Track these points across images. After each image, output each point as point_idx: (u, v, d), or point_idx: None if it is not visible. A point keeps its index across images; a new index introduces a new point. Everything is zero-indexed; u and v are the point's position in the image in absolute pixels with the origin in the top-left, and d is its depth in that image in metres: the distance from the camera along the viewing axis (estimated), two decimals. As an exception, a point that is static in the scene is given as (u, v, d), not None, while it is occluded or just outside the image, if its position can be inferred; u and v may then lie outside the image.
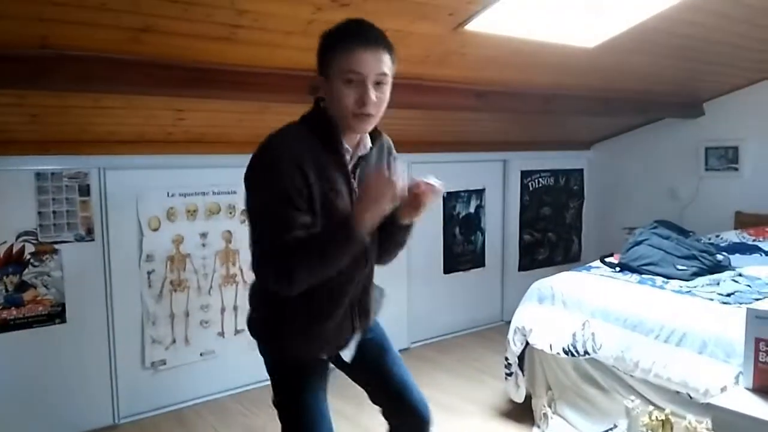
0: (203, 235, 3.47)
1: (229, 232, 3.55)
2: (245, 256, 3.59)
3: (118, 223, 3.18)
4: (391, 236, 1.63)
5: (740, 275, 2.99)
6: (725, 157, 4.54)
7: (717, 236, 3.98)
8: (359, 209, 1.39)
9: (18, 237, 2.91)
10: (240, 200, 3.56)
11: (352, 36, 1.42)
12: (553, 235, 5.32)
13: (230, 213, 3.54)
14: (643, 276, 3.13)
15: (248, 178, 1.46)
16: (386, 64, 1.45)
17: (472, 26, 2.46)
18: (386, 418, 1.85)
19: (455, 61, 2.87)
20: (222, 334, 3.56)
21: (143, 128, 3.00)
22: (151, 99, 2.58)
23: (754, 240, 3.78)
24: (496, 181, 4.92)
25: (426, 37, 2.51)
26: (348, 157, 1.53)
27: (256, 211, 1.46)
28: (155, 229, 3.30)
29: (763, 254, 3.51)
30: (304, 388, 1.67)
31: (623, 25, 2.76)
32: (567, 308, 2.96)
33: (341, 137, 1.51)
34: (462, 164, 4.55)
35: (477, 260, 4.84)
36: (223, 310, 3.56)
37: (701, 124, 4.67)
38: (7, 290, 2.90)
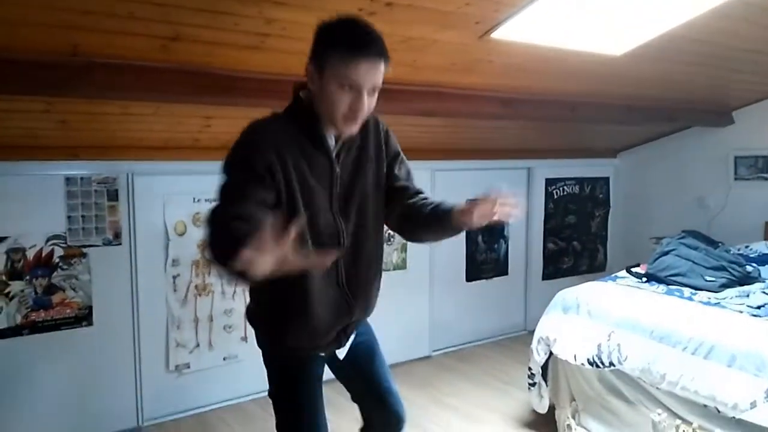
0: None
1: (253, 237, 3.57)
2: (269, 262, 3.61)
3: (144, 228, 3.22)
4: (435, 226, 1.61)
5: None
6: (755, 166, 4.45)
7: (746, 247, 3.90)
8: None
9: (47, 240, 2.96)
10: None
11: (356, 45, 1.43)
12: (577, 244, 5.27)
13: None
14: (671, 287, 3.08)
15: (226, 156, 1.49)
16: (382, 74, 1.47)
17: (498, 34, 2.45)
18: (364, 416, 1.92)
19: (481, 69, 2.86)
20: (245, 338, 3.58)
21: (171, 134, 3.04)
22: (180, 106, 2.62)
23: (785, 251, 3.70)
24: (520, 189, 4.88)
25: (451, 45, 2.51)
26: (332, 146, 1.56)
27: (221, 173, 1.46)
28: (181, 234, 3.34)
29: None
30: (298, 380, 1.70)
31: (651, 33, 2.73)
32: (592, 318, 2.93)
33: (324, 131, 1.54)
34: (484, 172, 4.53)
35: (500, 268, 4.81)
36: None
37: (730, 133, 4.59)
38: (36, 292, 2.95)
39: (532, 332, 3.20)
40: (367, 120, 1.60)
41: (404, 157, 1.77)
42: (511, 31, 2.45)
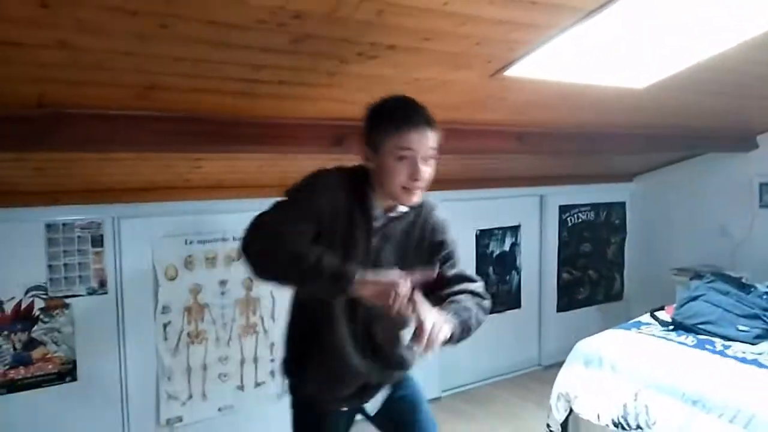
0: (222, 283, 3.28)
1: (249, 278, 3.35)
2: (266, 304, 3.40)
3: (132, 274, 3.01)
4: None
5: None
6: (782, 194, 4.20)
7: (775, 284, 3.65)
8: (362, 284, 1.42)
9: (27, 292, 2.75)
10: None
11: (403, 118, 1.53)
12: (593, 273, 5.02)
13: (251, 260, 3.34)
14: (700, 337, 2.83)
15: (286, 190, 1.58)
16: (433, 141, 1.56)
17: (512, 72, 2.23)
18: None
19: (494, 106, 2.65)
20: (241, 387, 3.36)
21: (159, 177, 2.83)
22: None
23: (819, 290, 3.44)
24: (533, 217, 4.65)
25: (462, 84, 2.29)
26: (376, 217, 1.62)
27: (277, 201, 1.56)
28: (172, 279, 3.12)
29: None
30: (317, 428, 1.80)
31: (677, 67, 2.51)
32: (616, 374, 2.69)
33: (374, 201, 1.61)
34: (496, 201, 4.30)
35: (512, 301, 4.57)
36: (242, 362, 3.36)
37: (755, 158, 4.34)
38: (15, 348, 2.74)
39: (546, 367, 2.99)
40: (422, 205, 1.69)
41: (451, 248, 1.76)
42: (528, 68, 2.23)
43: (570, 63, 2.29)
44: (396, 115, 1.55)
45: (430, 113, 1.57)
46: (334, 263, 1.42)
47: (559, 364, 3.01)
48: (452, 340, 1.53)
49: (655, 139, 3.70)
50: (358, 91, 2.20)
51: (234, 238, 3.28)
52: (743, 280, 3.29)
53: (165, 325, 3.12)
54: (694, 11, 2.01)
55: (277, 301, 3.39)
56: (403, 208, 1.64)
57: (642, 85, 2.65)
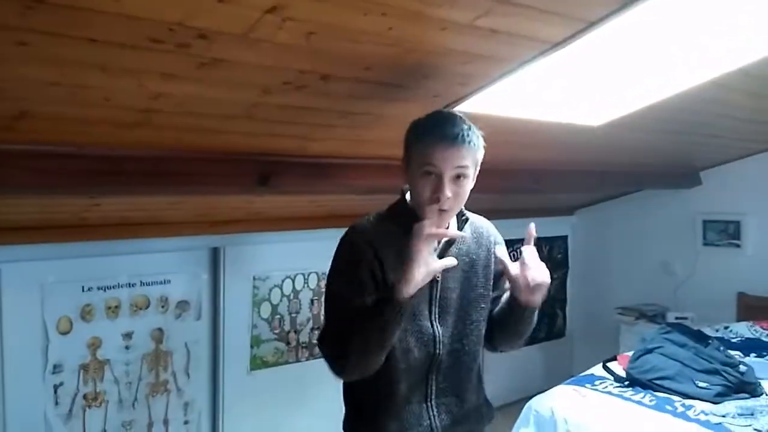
0: (127, 336, 2.84)
1: (160, 330, 2.93)
2: (179, 358, 2.99)
3: (15, 328, 2.52)
4: (509, 322, 1.56)
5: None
6: (726, 232, 4.12)
7: (726, 328, 3.53)
8: (404, 282, 1.32)
9: None
10: (175, 291, 2.99)
11: (431, 131, 1.42)
12: (535, 310, 4.81)
13: (162, 307, 2.93)
14: (658, 394, 2.62)
15: (331, 264, 1.50)
16: (466, 158, 1.41)
17: (462, 108, 1.96)
18: None
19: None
20: (148, 454, 2.92)
21: (49, 216, 2.40)
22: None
23: (768, 335, 3.34)
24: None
25: (405, 118, 2.00)
26: (434, 248, 1.47)
27: (325, 294, 1.51)
28: (65, 333, 2.66)
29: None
30: None
31: (633, 106, 2.32)
32: (571, 439, 2.43)
33: None
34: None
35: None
36: (150, 425, 2.92)
37: (697, 194, 4.25)
38: None
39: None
40: (482, 228, 1.63)
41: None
42: (478, 104, 1.97)
43: (521, 99, 2.05)
44: (425, 129, 1.45)
45: (471, 129, 1.43)
46: (382, 306, 1.35)
47: (500, 408, 2.73)
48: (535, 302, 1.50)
49: (604, 176, 3.53)
50: (284, 124, 1.89)
51: (142, 283, 2.87)
52: (701, 330, 3.13)
53: (56, 387, 2.65)
54: (655, 51, 1.82)
55: (192, 354, 2.99)
56: (457, 231, 1.51)
57: (598, 122, 2.45)
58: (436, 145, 1.40)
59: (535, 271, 1.48)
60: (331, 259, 1.50)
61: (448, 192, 1.40)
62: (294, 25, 1.25)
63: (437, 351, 1.50)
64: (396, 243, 1.41)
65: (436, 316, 1.51)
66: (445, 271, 1.45)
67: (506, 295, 1.59)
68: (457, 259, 1.47)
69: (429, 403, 1.53)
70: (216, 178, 2.09)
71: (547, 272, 1.50)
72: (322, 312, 1.46)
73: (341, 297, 1.44)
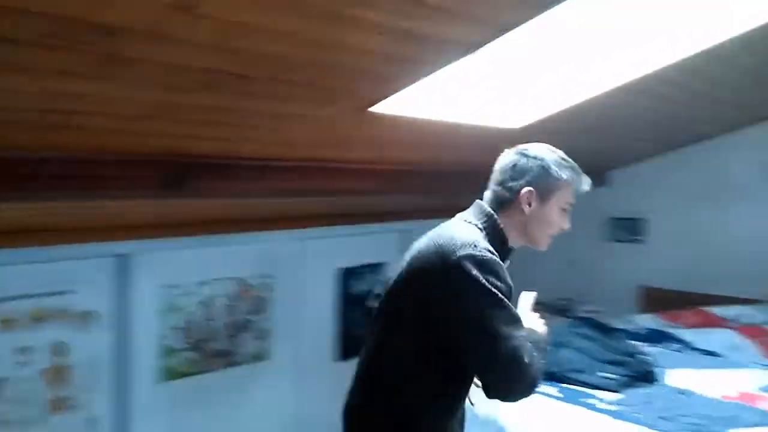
0: (23, 351, 2.61)
1: (62, 343, 2.72)
2: (82, 372, 2.78)
3: None
4: None
5: (681, 393, 2.63)
6: (630, 229, 4.34)
7: (630, 322, 3.70)
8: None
9: None
10: (77, 301, 2.78)
11: (579, 174, 1.62)
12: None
13: (62, 318, 2.72)
14: (564, 386, 2.70)
15: (479, 284, 1.39)
16: None
17: (382, 108, 1.93)
18: None
19: (363, 144, 2.33)
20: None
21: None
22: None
23: (669, 326, 3.53)
24: (396, 254, 4.40)
25: (326, 120, 1.95)
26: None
27: (495, 315, 1.39)
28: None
29: (684, 347, 3.24)
30: None
31: (557, 107, 2.38)
32: (486, 433, 2.46)
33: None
34: (356, 238, 3.99)
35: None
36: (53, 446, 2.71)
37: (604, 193, 4.46)
38: None
39: None
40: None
41: None
42: (398, 105, 1.95)
43: (446, 101, 2.05)
44: (575, 170, 1.61)
45: None
46: (535, 333, 1.53)
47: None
48: None
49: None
50: (201, 126, 1.79)
51: (39, 294, 2.65)
52: (607, 324, 3.25)
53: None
54: (576, 53, 1.88)
55: (97, 367, 2.80)
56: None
57: (518, 125, 2.49)
58: (583, 188, 1.63)
59: None
60: (475, 277, 1.41)
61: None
62: (207, 23, 1.17)
63: None
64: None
65: None
66: None
67: None
68: None
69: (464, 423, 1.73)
70: (122, 181, 1.96)
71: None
72: (501, 332, 1.37)
73: (514, 314, 1.44)
